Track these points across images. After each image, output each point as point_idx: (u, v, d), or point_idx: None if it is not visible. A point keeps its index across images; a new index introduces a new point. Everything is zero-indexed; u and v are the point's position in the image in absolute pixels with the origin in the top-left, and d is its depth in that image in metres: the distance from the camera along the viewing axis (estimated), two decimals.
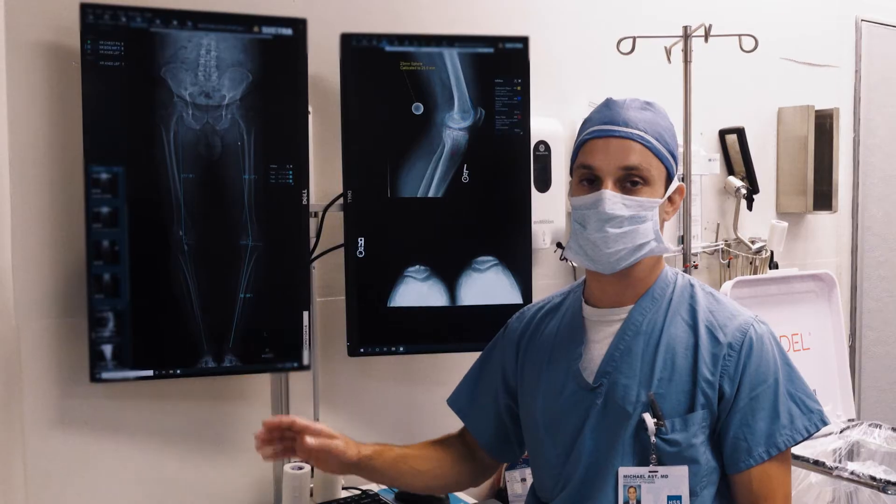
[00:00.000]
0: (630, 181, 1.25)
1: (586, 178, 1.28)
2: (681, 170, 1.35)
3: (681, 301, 1.32)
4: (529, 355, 1.42)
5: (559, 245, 2.34)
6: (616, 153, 1.25)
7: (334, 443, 1.31)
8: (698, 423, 1.25)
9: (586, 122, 1.33)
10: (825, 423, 1.29)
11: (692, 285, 1.35)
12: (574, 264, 2.38)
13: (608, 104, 1.31)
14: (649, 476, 1.24)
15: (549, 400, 1.35)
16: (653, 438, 1.23)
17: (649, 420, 1.23)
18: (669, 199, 1.31)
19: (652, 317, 1.30)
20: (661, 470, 1.24)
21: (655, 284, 1.33)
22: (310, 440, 1.28)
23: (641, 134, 1.26)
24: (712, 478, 1.27)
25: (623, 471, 1.25)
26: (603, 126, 1.28)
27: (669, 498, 1.24)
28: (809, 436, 1.27)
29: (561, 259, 2.37)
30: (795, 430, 1.26)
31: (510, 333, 1.49)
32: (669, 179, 1.30)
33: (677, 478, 1.24)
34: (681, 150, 1.57)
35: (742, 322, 1.29)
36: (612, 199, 1.24)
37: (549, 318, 1.43)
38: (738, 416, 1.25)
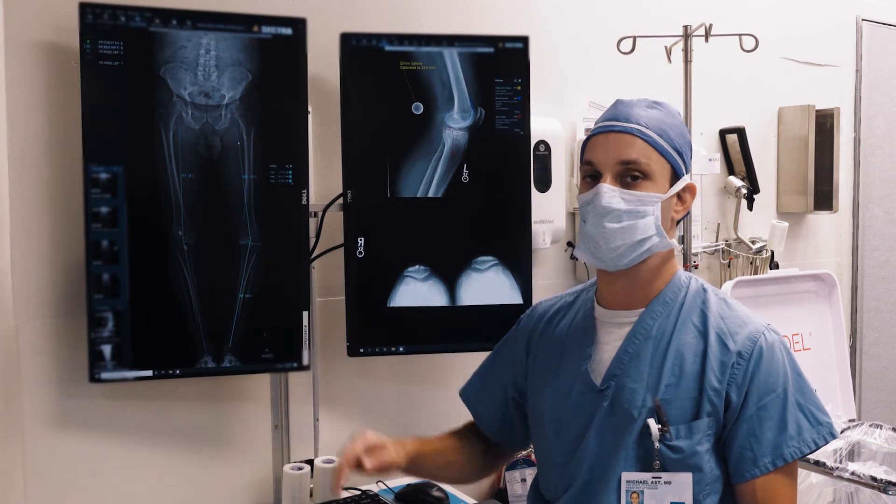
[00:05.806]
0: (629, 175, 1.25)
1: (589, 175, 1.29)
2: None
3: (692, 306, 1.30)
4: (539, 353, 1.42)
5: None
6: (615, 147, 1.25)
7: (388, 458, 1.34)
8: (703, 431, 1.23)
9: (595, 123, 1.34)
10: (834, 437, 1.26)
11: (705, 290, 1.33)
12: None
13: (616, 103, 1.32)
14: (652, 482, 1.23)
15: (557, 399, 1.34)
16: (657, 444, 1.22)
17: (653, 426, 1.22)
18: (680, 197, 1.30)
19: (662, 321, 1.29)
20: (665, 476, 1.23)
21: (667, 288, 1.31)
22: (368, 465, 1.30)
23: (640, 129, 1.25)
24: (716, 486, 1.25)
25: (626, 476, 1.24)
26: (605, 122, 1.29)
27: None
28: (817, 448, 1.24)
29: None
30: (803, 441, 1.23)
31: (521, 329, 1.49)
32: (676, 177, 1.28)
33: (681, 484, 1.22)
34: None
35: (753, 330, 1.26)
36: (609, 193, 1.24)
37: (560, 316, 1.43)
38: (744, 426, 1.23)
